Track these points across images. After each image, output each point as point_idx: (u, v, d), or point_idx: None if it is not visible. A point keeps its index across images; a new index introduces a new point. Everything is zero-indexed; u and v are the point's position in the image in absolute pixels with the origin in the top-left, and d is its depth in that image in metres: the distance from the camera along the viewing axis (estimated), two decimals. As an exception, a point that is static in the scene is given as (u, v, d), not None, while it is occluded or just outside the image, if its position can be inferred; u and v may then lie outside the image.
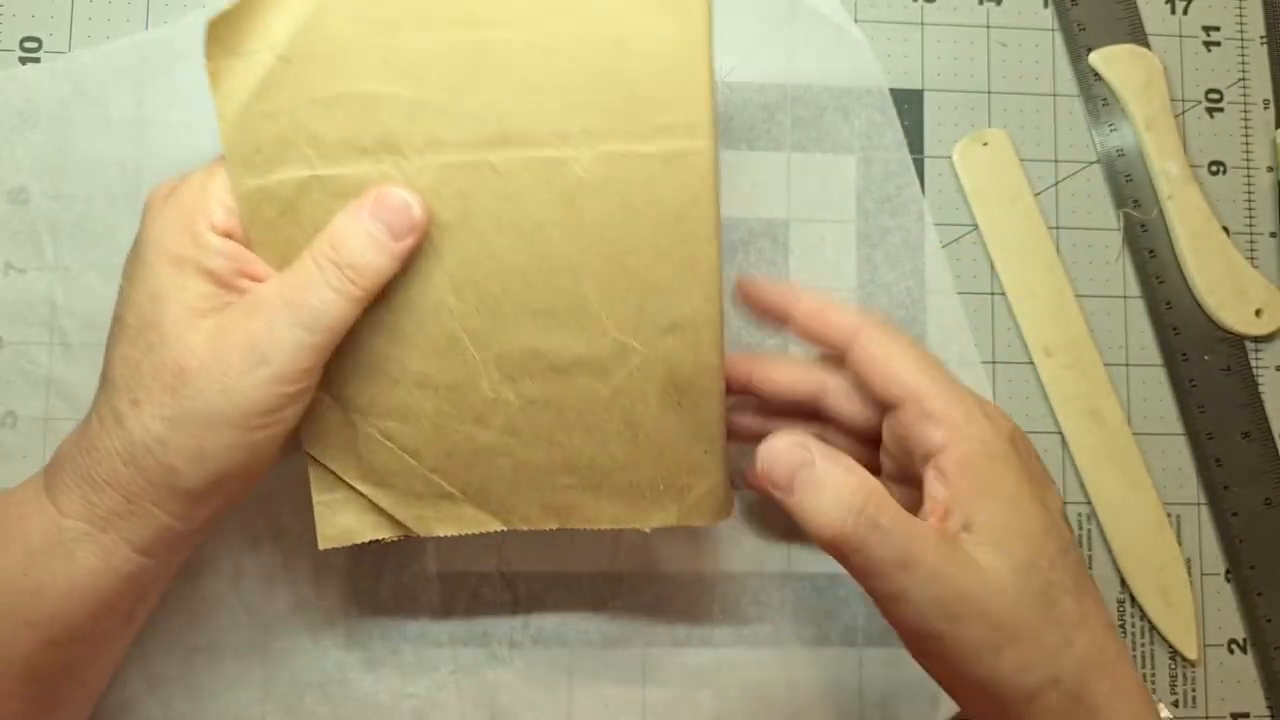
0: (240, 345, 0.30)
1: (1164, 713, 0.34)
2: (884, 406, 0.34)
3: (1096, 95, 0.46)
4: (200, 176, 0.33)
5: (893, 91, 0.45)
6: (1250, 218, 0.46)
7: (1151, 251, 0.45)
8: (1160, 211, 0.45)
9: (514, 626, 0.42)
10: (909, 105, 0.45)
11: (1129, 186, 0.45)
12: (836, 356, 0.36)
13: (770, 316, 0.37)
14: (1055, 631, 0.31)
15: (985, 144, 0.45)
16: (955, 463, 0.31)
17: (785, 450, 0.31)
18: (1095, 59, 0.45)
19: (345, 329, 0.32)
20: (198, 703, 0.41)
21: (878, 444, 0.36)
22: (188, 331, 0.31)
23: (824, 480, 0.31)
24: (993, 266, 0.45)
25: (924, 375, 0.33)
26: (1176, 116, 0.46)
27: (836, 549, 0.30)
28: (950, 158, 0.45)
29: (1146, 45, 0.46)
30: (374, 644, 0.42)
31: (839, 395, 0.36)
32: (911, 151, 0.45)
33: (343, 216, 0.32)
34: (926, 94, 0.46)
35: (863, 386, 0.35)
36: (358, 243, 0.31)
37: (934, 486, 0.32)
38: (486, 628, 0.42)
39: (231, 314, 0.31)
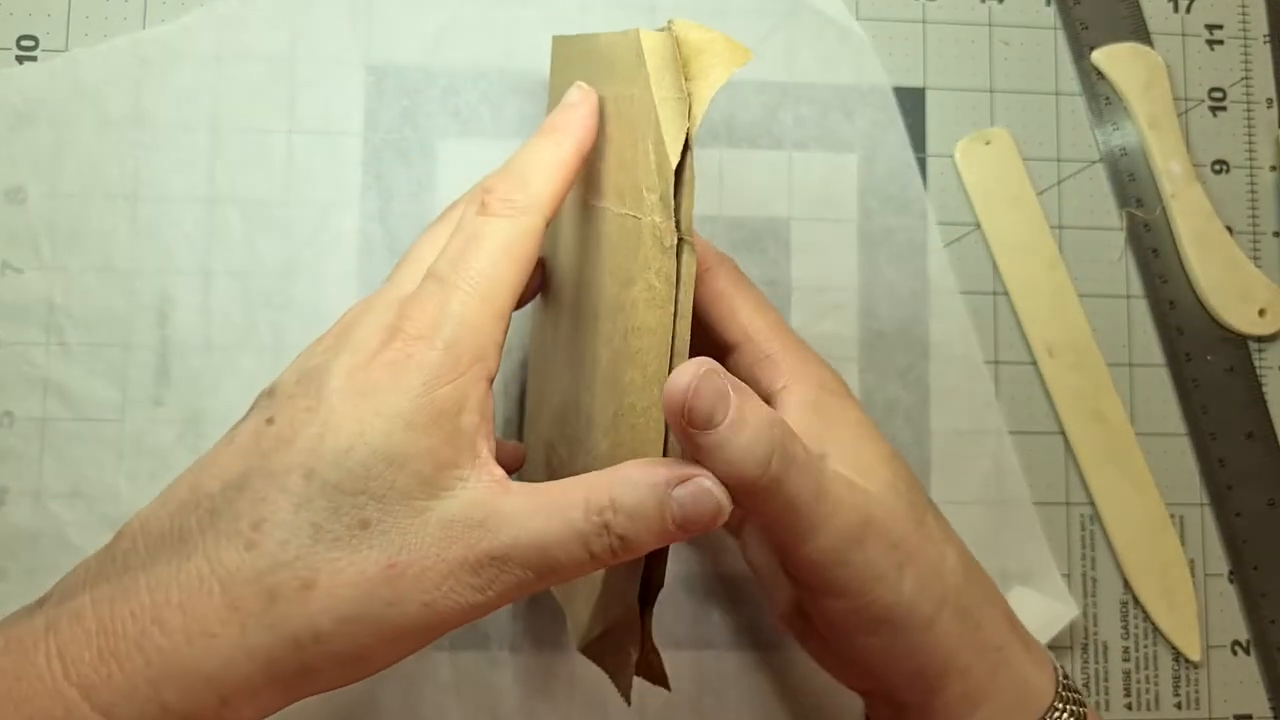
0: (464, 566, 0.25)
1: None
2: (721, 348, 0.33)
3: (1099, 94, 0.45)
4: (483, 310, 0.26)
5: (895, 90, 0.45)
6: (1253, 217, 0.46)
7: (1154, 251, 0.45)
8: (1163, 211, 0.45)
9: (514, 631, 0.42)
10: (911, 104, 0.45)
11: (1132, 186, 0.45)
12: None
13: None
14: (933, 548, 0.30)
15: (988, 143, 0.45)
16: (799, 400, 0.31)
17: (704, 381, 0.25)
18: (1098, 57, 0.45)
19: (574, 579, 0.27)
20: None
21: None
22: (415, 518, 0.25)
23: (745, 416, 0.26)
24: (995, 266, 0.45)
25: (763, 319, 0.33)
26: (1179, 115, 0.46)
27: (758, 491, 0.26)
28: (952, 156, 0.45)
29: (1149, 44, 0.46)
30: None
31: None
32: (914, 150, 0.45)
33: (638, 480, 0.26)
34: (929, 92, 0.45)
35: (701, 325, 0.32)
36: (646, 529, 0.25)
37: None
38: (487, 631, 0.42)
39: (461, 515, 0.25)
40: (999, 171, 0.45)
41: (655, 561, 0.29)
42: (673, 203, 0.27)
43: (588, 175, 0.32)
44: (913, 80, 0.45)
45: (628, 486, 0.25)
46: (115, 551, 0.25)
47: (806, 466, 0.27)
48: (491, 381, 0.27)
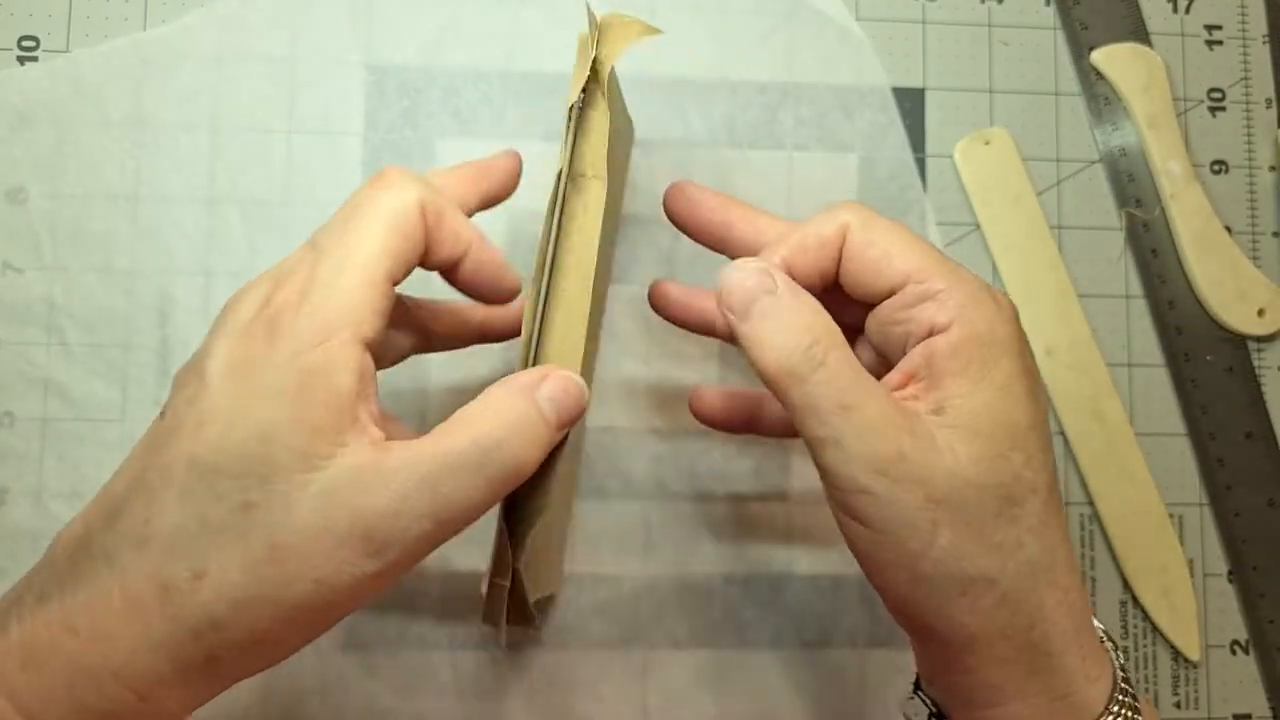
0: (353, 533, 0.25)
1: (1095, 622, 0.32)
2: (871, 301, 0.31)
3: (1099, 94, 0.46)
4: (353, 275, 0.27)
5: (894, 90, 0.45)
6: (1253, 217, 0.46)
7: (1154, 251, 0.45)
8: (1162, 211, 0.45)
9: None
10: (911, 104, 0.45)
11: (1131, 186, 0.45)
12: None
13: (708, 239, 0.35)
14: (1008, 530, 0.28)
15: (987, 143, 0.45)
16: (948, 344, 0.29)
17: (748, 275, 0.29)
18: (1097, 58, 0.45)
19: (470, 524, 0.27)
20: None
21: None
22: (294, 495, 0.24)
23: (780, 309, 0.28)
24: (994, 266, 0.45)
25: (925, 258, 0.30)
26: (1178, 116, 0.46)
27: (780, 382, 0.28)
28: (952, 157, 0.45)
29: (1149, 44, 0.46)
30: (374, 648, 0.41)
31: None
32: (913, 151, 0.45)
33: (511, 400, 0.27)
34: (928, 92, 0.46)
35: (857, 276, 0.31)
36: (529, 419, 0.27)
37: (913, 360, 0.29)
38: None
39: (343, 481, 0.25)
40: (998, 172, 0.45)
41: (521, 494, 0.30)
42: (570, 140, 0.31)
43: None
44: (912, 80, 0.46)
45: (496, 409, 0.27)
46: (45, 561, 0.26)
47: (836, 375, 0.28)
48: (369, 347, 0.26)
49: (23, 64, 0.43)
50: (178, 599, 0.24)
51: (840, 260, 0.31)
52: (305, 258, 0.27)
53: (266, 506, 0.24)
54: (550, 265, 0.31)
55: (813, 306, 0.29)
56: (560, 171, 0.31)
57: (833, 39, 0.45)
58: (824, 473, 0.29)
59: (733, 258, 0.32)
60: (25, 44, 0.43)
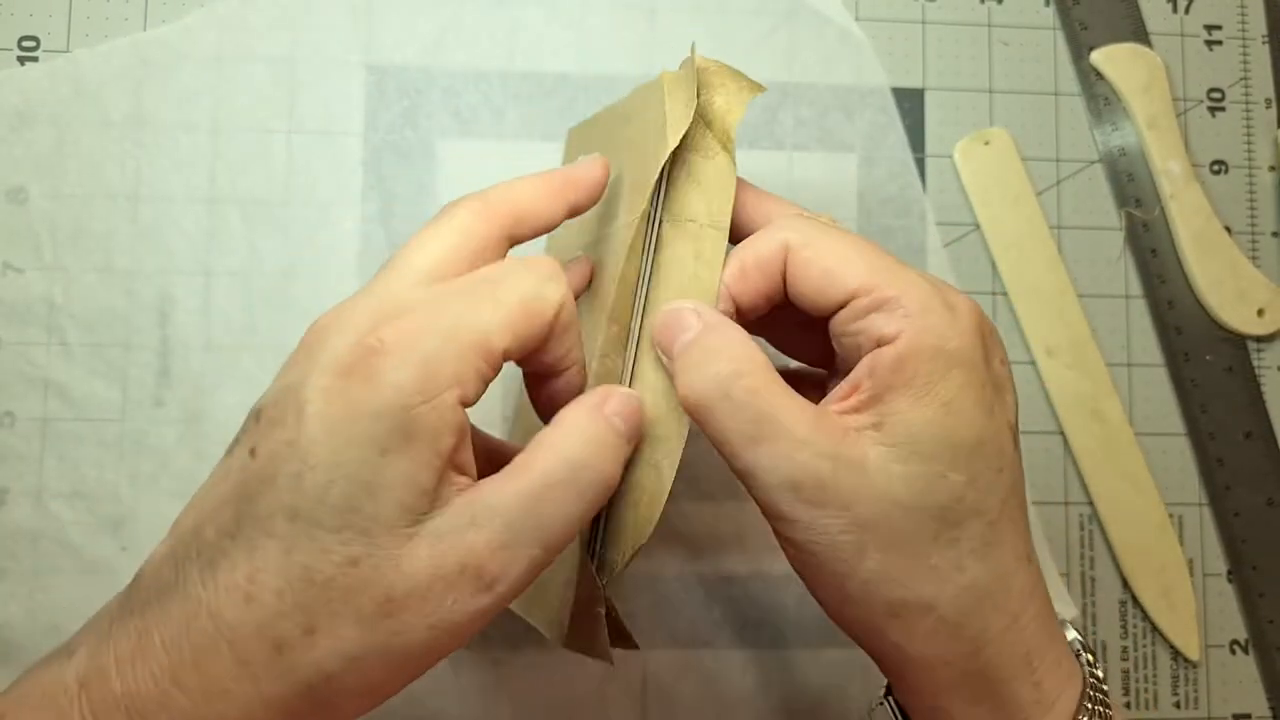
0: (465, 574, 0.25)
1: (1071, 633, 0.31)
2: (823, 315, 0.30)
3: (1098, 94, 0.46)
4: (472, 338, 0.26)
5: (894, 91, 0.45)
6: (1252, 217, 0.46)
7: (1153, 251, 0.45)
8: (1162, 211, 0.45)
9: (514, 630, 0.42)
10: (910, 104, 0.45)
11: (1131, 186, 0.45)
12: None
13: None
14: (946, 553, 0.27)
15: (987, 143, 0.45)
16: (893, 356, 0.28)
17: (675, 315, 0.29)
18: (1097, 58, 0.45)
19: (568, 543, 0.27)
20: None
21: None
22: (403, 545, 0.24)
23: (693, 347, 0.28)
24: (994, 266, 0.45)
25: (873, 268, 0.29)
26: (1178, 116, 0.46)
27: (695, 415, 0.28)
28: (952, 157, 0.45)
29: (1148, 44, 0.46)
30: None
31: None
32: (913, 151, 0.45)
33: (587, 419, 0.28)
34: (928, 93, 0.46)
35: (803, 295, 0.30)
36: (603, 439, 0.28)
37: (859, 373, 0.28)
38: (487, 630, 0.42)
39: (448, 526, 0.25)
40: (998, 172, 0.45)
41: (595, 523, 0.31)
42: (663, 181, 0.31)
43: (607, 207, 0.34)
44: (912, 81, 0.46)
45: (576, 429, 0.27)
46: (133, 601, 0.26)
47: (742, 408, 0.27)
48: (466, 406, 0.26)
49: (23, 64, 0.43)
50: (290, 656, 0.24)
51: (785, 279, 0.30)
52: (422, 300, 0.26)
53: (373, 561, 0.24)
54: (643, 308, 0.31)
55: (731, 339, 0.29)
56: (647, 211, 0.31)
57: (833, 39, 0.45)
58: (752, 497, 0.28)
59: (740, 240, 0.32)
60: (25, 44, 0.43)
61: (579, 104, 0.44)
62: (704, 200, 0.31)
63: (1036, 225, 0.45)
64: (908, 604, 0.27)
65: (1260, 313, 0.45)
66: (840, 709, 0.43)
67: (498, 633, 0.42)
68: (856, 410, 0.28)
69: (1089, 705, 0.29)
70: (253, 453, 0.25)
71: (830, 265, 0.29)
